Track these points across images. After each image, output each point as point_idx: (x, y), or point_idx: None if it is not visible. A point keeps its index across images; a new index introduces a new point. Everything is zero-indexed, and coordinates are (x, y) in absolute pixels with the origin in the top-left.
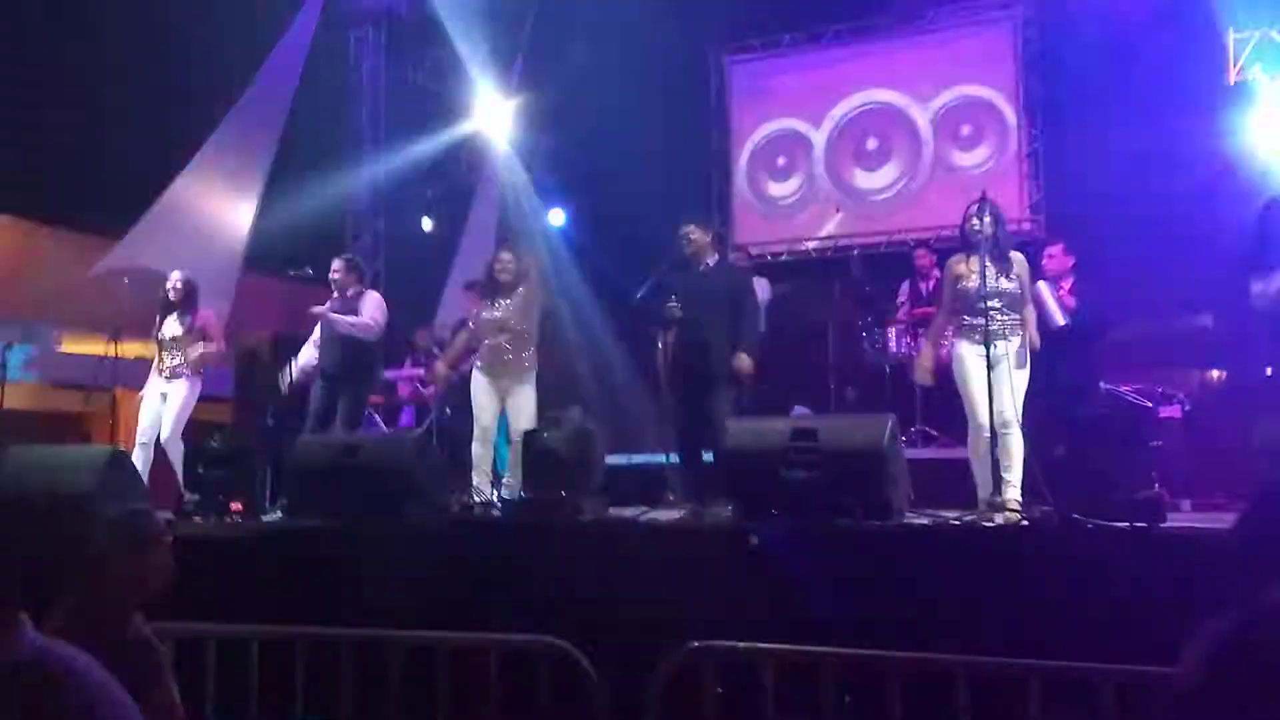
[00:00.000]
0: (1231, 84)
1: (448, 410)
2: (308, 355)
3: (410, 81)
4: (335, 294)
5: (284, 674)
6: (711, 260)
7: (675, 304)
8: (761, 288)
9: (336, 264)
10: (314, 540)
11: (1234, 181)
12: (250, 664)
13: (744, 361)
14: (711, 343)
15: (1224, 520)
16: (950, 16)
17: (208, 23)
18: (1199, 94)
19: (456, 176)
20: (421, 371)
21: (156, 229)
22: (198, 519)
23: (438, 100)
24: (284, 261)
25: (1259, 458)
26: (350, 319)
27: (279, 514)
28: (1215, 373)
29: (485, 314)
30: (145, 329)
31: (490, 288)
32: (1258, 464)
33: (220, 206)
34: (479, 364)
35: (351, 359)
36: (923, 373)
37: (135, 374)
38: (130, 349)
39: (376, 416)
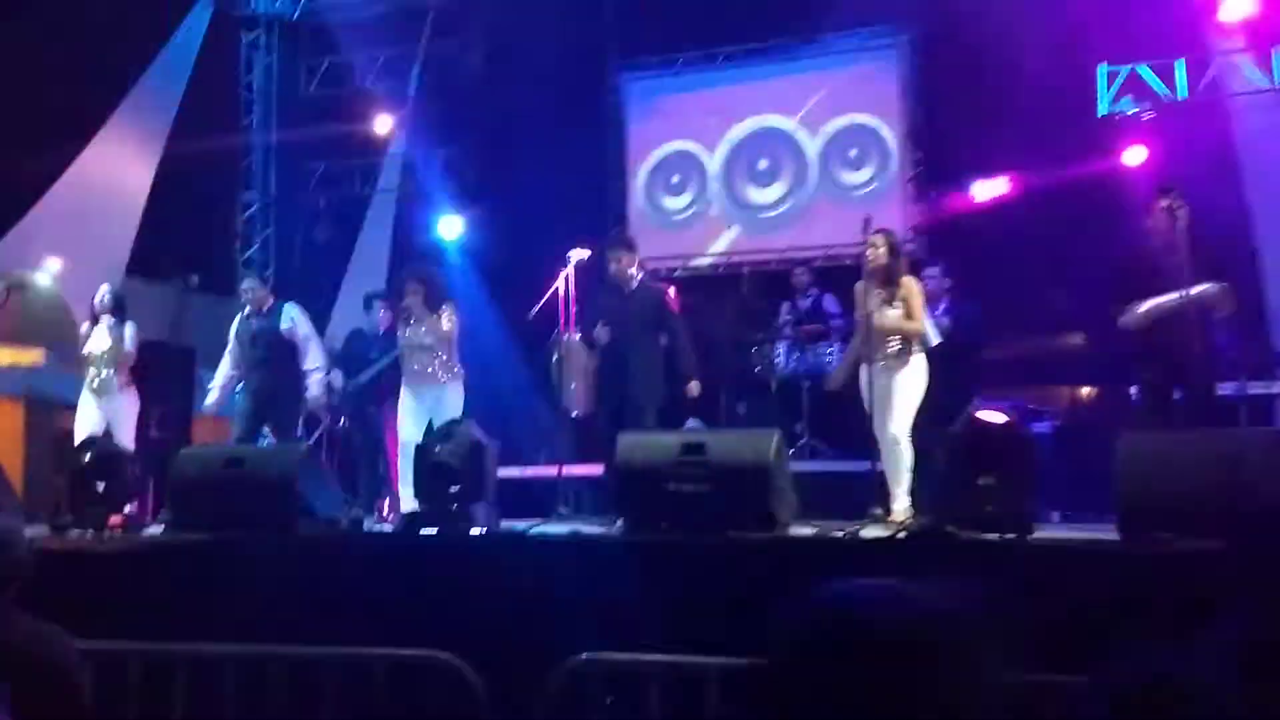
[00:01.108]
0: (1100, 116)
1: (344, 421)
2: (226, 372)
3: (303, 88)
4: (249, 309)
5: (163, 692)
6: (635, 282)
7: (604, 328)
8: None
9: (249, 281)
10: (196, 555)
11: (1103, 208)
12: (129, 682)
13: (694, 387)
14: (638, 364)
15: (1091, 530)
16: (841, 42)
17: (87, 23)
18: (1071, 125)
19: (350, 186)
20: None
21: (36, 232)
22: (75, 532)
23: (331, 108)
24: (171, 269)
25: (1116, 474)
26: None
27: (160, 527)
28: (1086, 390)
29: (403, 333)
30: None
31: (405, 308)
32: (1116, 480)
33: (104, 211)
34: (404, 382)
35: (283, 374)
36: (833, 381)
37: None
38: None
39: (264, 427)
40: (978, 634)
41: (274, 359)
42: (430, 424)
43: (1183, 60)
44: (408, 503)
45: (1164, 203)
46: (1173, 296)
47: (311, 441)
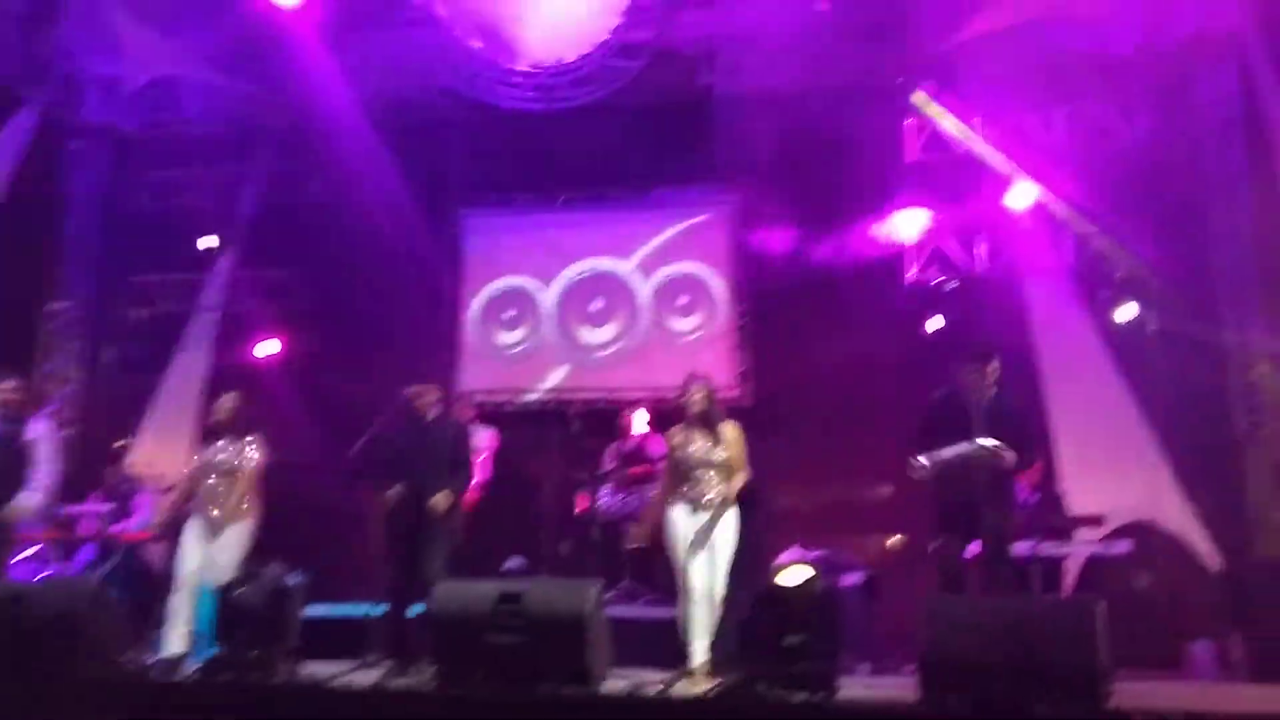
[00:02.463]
0: (908, 282)
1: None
2: None
3: (131, 201)
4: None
5: None
6: (433, 414)
7: (396, 489)
8: (490, 436)
9: (6, 383)
10: None
11: (912, 370)
12: None
13: (439, 500)
14: (429, 496)
15: (896, 686)
16: (673, 196)
17: None
18: (884, 289)
19: (170, 303)
20: (107, 508)
21: None
22: None
23: (158, 223)
24: None
25: (920, 636)
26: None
27: None
28: (896, 538)
29: (201, 456)
30: None
31: (210, 428)
32: (919, 642)
33: None
34: (193, 504)
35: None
36: (640, 535)
37: None
38: None
39: (52, 555)
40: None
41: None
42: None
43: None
44: (178, 644)
45: (979, 365)
46: (963, 446)
47: (107, 570)
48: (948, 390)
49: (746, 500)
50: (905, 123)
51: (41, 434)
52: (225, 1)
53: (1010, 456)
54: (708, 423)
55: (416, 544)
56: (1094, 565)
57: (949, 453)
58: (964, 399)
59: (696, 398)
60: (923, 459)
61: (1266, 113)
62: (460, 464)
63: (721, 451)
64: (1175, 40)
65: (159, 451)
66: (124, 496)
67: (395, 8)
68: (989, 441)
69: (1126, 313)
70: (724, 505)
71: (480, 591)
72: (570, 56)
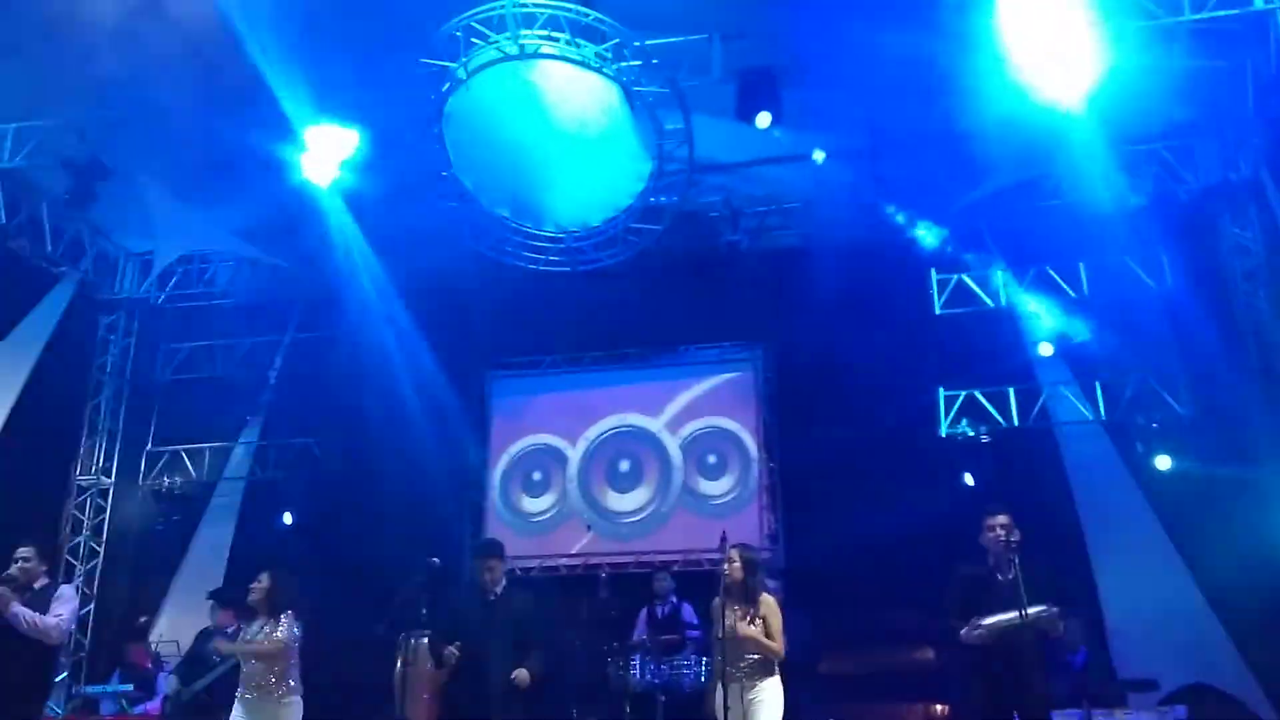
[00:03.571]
0: (943, 436)
1: None
2: None
3: (159, 373)
4: (17, 585)
5: None
6: (500, 588)
7: (454, 650)
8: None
9: (24, 550)
10: None
11: (948, 527)
12: None
13: (523, 675)
14: (499, 680)
15: None
16: (699, 354)
17: None
18: (916, 445)
19: (196, 471)
20: (129, 690)
21: None
22: None
23: (186, 393)
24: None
25: None
26: (31, 615)
27: None
28: (939, 707)
29: (244, 634)
30: None
31: (248, 608)
32: None
33: None
34: (239, 692)
35: (22, 667)
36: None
37: None
38: None
39: None
40: None
41: (17, 647)
42: None
43: (1012, 389)
44: None
45: (994, 521)
46: (1012, 615)
47: None
48: (979, 550)
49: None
50: (932, 276)
51: (65, 595)
52: (258, 177)
53: (1049, 622)
54: (747, 592)
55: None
56: None
57: (996, 620)
58: (995, 559)
59: (736, 565)
60: (973, 625)
61: None
62: (535, 636)
63: (760, 624)
64: (1195, 189)
65: (183, 625)
66: (147, 676)
67: (425, 181)
68: (1034, 609)
69: (1164, 463)
70: (764, 676)
71: None
72: (595, 221)
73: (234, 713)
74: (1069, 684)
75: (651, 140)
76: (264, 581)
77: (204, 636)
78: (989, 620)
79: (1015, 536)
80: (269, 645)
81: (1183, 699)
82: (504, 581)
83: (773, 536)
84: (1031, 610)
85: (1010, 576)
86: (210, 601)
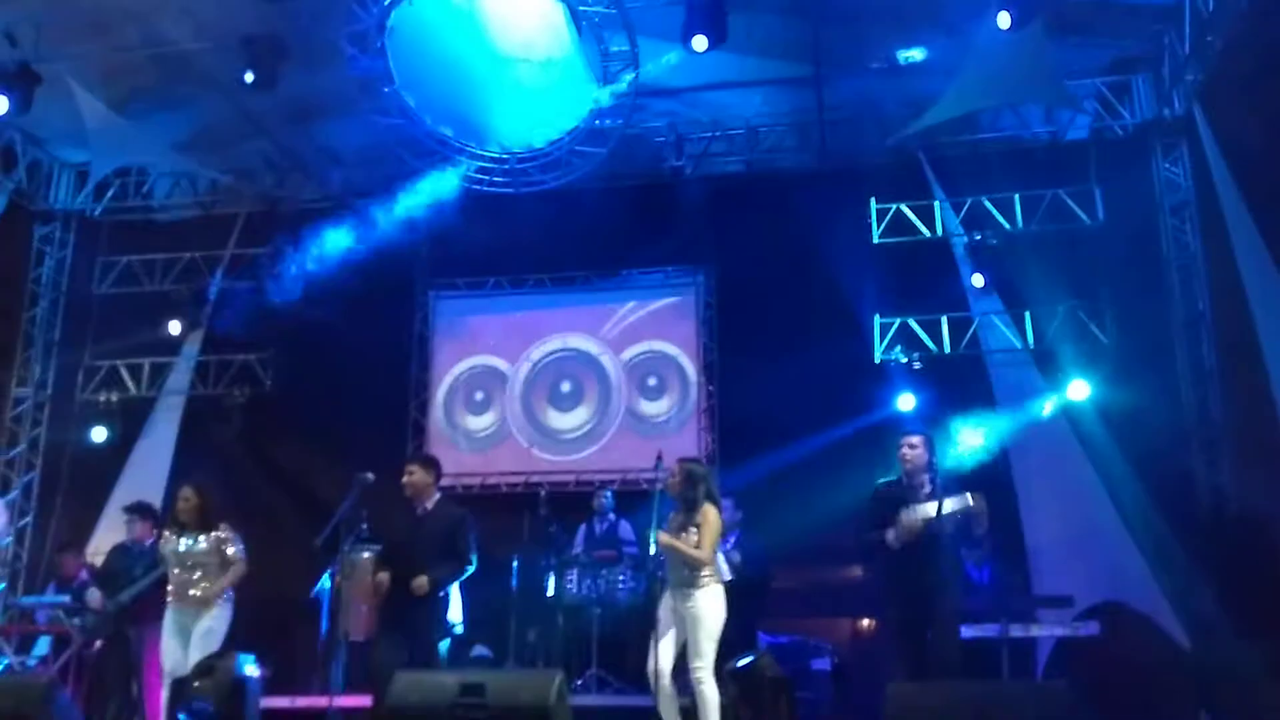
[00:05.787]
0: (877, 362)
1: (98, 644)
2: None
3: (97, 286)
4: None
5: None
6: (431, 502)
7: (384, 576)
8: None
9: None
10: None
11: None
12: None
13: (420, 582)
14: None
15: None
16: (642, 278)
17: None
18: (851, 369)
19: (136, 388)
20: (65, 600)
21: None
22: None
23: (125, 307)
24: None
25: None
26: None
27: None
28: (865, 621)
29: (170, 547)
30: None
31: (174, 520)
32: None
33: None
34: (168, 600)
35: None
36: None
37: None
38: None
39: (6, 648)
40: None
41: None
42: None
43: (945, 317)
44: None
45: (907, 440)
46: (928, 507)
47: (58, 667)
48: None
49: (729, 586)
50: (871, 205)
51: None
52: (195, 91)
53: (972, 510)
54: (688, 503)
55: (409, 638)
56: (1064, 647)
57: (919, 512)
58: (909, 472)
59: (677, 478)
60: (900, 519)
61: (1218, 195)
62: (456, 553)
63: (694, 532)
64: (1131, 125)
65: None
66: (81, 586)
67: (366, 96)
68: (950, 500)
69: (1083, 390)
70: (697, 586)
71: (441, 683)
72: (540, 143)
73: (165, 620)
74: (978, 600)
75: (597, 62)
76: (190, 497)
77: (119, 551)
78: (905, 516)
79: (926, 456)
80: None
81: (1095, 615)
82: (437, 496)
83: (710, 458)
84: (946, 500)
85: (927, 491)
86: (127, 515)
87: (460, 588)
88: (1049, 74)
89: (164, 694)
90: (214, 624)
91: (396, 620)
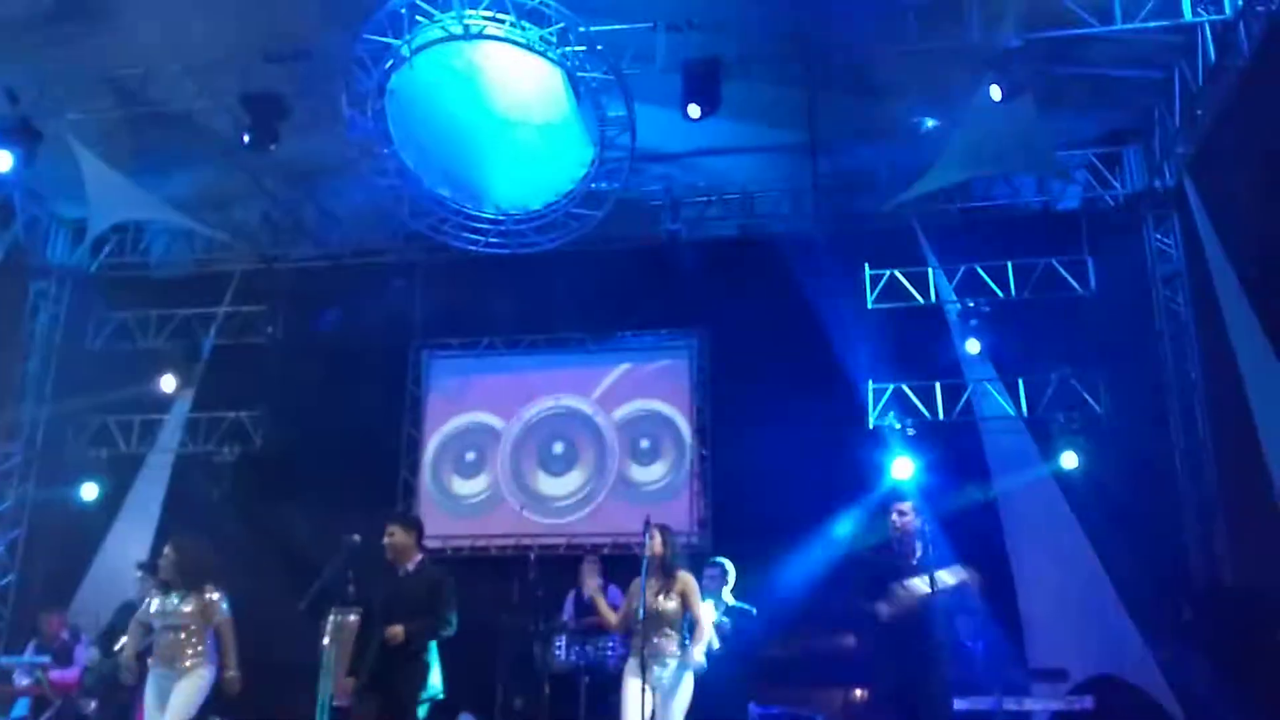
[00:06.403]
0: (871, 428)
1: (92, 705)
2: None
3: (90, 342)
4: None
5: None
6: (412, 564)
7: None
8: None
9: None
10: None
11: (874, 512)
12: None
13: (396, 630)
14: (405, 655)
15: None
16: (636, 340)
17: None
18: (844, 435)
19: (127, 444)
20: (46, 661)
21: None
22: None
23: (118, 364)
24: None
25: None
26: None
27: None
28: (858, 691)
29: (155, 606)
30: None
31: (162, 581)
32: None
33: None
34: (151, 660)
35: None
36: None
37: None
38: None
39: None
40: None
41: None
42: None
43: (939, 384)
44: None
45: (897, 507)
46: (922, 582)
47: None
48: (879, 543)
49: (718, 652)
50: (866, 271)
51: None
52: (194, 150)
53: (975, 576)
54: (665, 567)
55: (387, 701)
56: None
57: (914, 585)
58: (899, 542)
59: (656, 541)
60: (895, 590)
61: (1209, 266)
62: (434, 613)
63: (676, 599)
64: (1122, 195)
65: (106, 598)
66: (64, 647)
67: (365, 157)
68: (943, 571)
69: (1071, 461)
70: (672, 660)
71: None
72: (536, 204)
73: (147, 684)
74: (971, 671)
75: (594, 126)
76: (170, 554)
77: (126, 608)
78: (900, 591)
79: (917, 523)
80: (214, 620)
81: (1090, 689)
82: (419, 558)
83: (702, 523)
84: (940, 573)
85: (918, 558)
86: (140, 572)
87: (443, 651)
88: (1040, 145)
89: None
90: (190, 687)
91: (375, 682)
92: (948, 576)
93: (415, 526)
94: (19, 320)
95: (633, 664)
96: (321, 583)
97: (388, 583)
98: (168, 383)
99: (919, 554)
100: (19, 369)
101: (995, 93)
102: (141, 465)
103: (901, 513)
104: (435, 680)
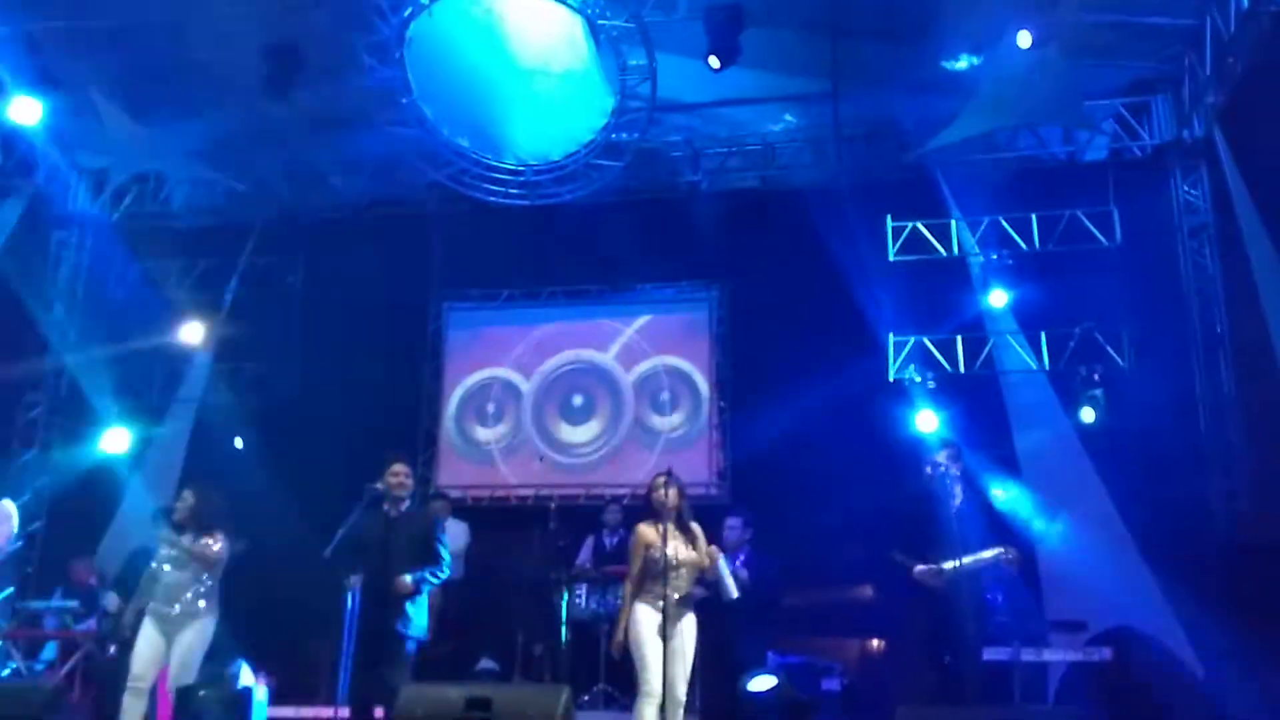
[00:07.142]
0: (891, 381)
1: (113, 649)
2: None
3: (112, 291)
4: None
5: None
6: (404, 505)
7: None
8: (461, 532)
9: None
10: None
11: (894, 468)
12: None
13: (403, 581)
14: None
15: None
16: (656, 292)
17: None
18: (865, 388)
19: (148, 394)
20: (75, 605)
21: None
22: None
23: (140, 312)
24: None
25: None
26: None
27: None
28: (875, 641)
29: (164, 550)
30: None
31: (176, 524)
32: None
33: None
34: (152, 605)
35: None
36: (616, 646)
37: None
38: None
39: (14, 652)
40: None
41: None
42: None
43: (960, 337)
44: None
45: (937, 459)
46: (973, 558)
47: (64, 672)
48: (917, 491)
49: (736, 603)
50: (888, 222)
51: (3, 513)
52: (214, 100)
53: (1010, 562)
54: (682, 521)
55: (381, 643)
56: (1076, 672)
57: (954, 565)
58: (939, 498)
59: (674, 491)
60: (943, 566)
61: (1237, 218)
62: (433, 556)
63: (690, 551)
64: (1150, 146)
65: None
66: (90, 592)
67: (384, 106)
68: (991, 552)
69: (1090, 415)
70: (692, 610)
71: (447, 697)
72: (556, 155)
73: (144, 625)
74: (990, 622)
75: (614, 75)
76: (188, 499)
77: (139, 554)
78: (949, 565)
79: (955, 471)
80: (209, 553)
81: (1109, 640)
82: (408, 502)
83: (721, 474)
84: (988, 553)
85: (957, 506)
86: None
87: (464, 600)
88: (1067, 95)
89: (126, 700)
90: (192, 639)
91: (367, 625)
92: (989, 555)
93: (412, 468)
94: (42, 269)
95: (647, 609)
96: (346, 530)
97: (377, 523)
98: (190, 332)
99: (959, 499)
100: (42, 319)
101: (1023, 39)
102: (164, 415)
103: (938, 463)
104: (422, 621)
